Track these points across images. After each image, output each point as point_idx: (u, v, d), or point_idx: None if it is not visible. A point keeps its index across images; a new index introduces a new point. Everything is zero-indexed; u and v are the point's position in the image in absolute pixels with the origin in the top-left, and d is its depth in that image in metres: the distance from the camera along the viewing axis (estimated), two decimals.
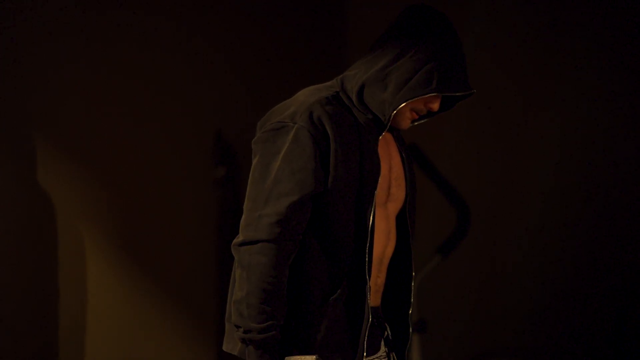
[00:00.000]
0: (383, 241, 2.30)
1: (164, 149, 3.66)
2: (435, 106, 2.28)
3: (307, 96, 2.25)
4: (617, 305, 3.82)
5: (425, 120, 2.38)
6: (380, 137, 2.28)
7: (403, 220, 2.37)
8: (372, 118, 2.25)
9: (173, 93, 3.69)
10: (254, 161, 2.22)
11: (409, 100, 2.19)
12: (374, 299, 2.32)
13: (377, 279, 2.32)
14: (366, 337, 2.23)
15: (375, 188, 2.22)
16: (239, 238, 2.17)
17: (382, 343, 2.36)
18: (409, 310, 2.41)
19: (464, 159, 4.13)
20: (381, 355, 2.34)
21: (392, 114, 2.22)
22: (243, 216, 2.19)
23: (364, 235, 2.22)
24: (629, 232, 3.78)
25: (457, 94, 2.26)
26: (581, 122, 3.86)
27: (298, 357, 2.16)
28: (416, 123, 2.38)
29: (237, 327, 2.14)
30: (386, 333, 2.37)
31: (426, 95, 2.20)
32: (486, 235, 4.08)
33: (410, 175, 2.40)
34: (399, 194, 2.35)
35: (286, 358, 2.17)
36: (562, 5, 3.88)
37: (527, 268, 3.99)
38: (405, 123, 2.31)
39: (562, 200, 3.91)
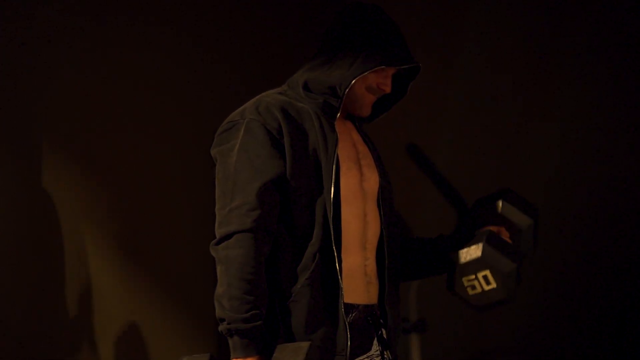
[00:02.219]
0: (359, 221, 2.31)
1: (163, 149, 3.66)
2: (387, 82, 2.33)
3: (256, 98, 2.34)
4: (618, 305, 3.82)
5: (385, 113, 2.47)
6: (338, 118, 2.32)
7: (378, 205, 2.38)
8: (323, 102, 2.30)
9: (173, 93, 3.69)
10: (217, 166, 2.30)
11: (359, 77, 2.25)
12: (366, 294, 2.31)
13: (365, 268, 2.31)
14: (348, 329, 2.22)
15: (334, 157, 2.24)
16: (215, 239, 2.21)
17: (375, 342, 2.34)
18: (383, 297, 2.38)
19: (464, 159, 4.13)
20: (372, 355, 2.33)
21: (346, 91, 2.26)
22: (216, 218, 2.24)
23: (328, 207, 2.23)
24: (629, 232, 3.78)
25: (403, 67, 2.31)
26: (581, 122, 3.86)
27: (292, 344, 2.16)
28: (381, 116, 2.42)
29: (222, 320, 2.15)
30: (381, 331, 2.35)
31: (375, 69, 2.26)
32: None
33: (381, 165, 2.44)
34: (371, 175, 2.38)
35: (279, 346, 2.16)
36: (562, 6, 3.88)
37: (526, 268, 3.99)
38: (366, 109, 2.35)
39: (562, 200, 3.91)
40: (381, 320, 2.36)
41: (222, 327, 2.17)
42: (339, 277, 2.22)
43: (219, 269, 2.20)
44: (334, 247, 2.22)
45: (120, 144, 3.53)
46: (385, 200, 2.40)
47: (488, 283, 2.23)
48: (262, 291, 2.16)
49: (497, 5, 4.02)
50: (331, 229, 2.22)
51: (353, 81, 2.26)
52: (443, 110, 4.13)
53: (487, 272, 2.21)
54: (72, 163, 3.39)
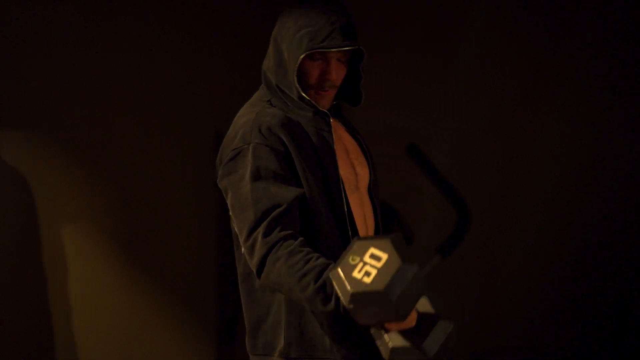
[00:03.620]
0: (361, 218, 2.30)
1: (164, 149, 3.66)
2: (329, 70, 2.26)
3: (245, 115, 2.26)
4: (618, 305, 3.82)
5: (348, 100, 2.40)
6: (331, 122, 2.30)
7: (370, 198, 2.38)
8: (308, 110, 2.27)
9: (173, 93, 3.69)
10: (228, 198, 2.20)
11: (294, 71, 2.21)
12: None
13: None
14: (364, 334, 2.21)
15: (336, 168, 2.23)
16: (255, 273, 2.13)
17: None
18: None
19: (464, 159, 4.12)
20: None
21: (300, 92, 2.23)
22: (245, 251, 2.16)
23: (343, 220, 2.21)
24: (630, 232, 3.78)
25: (332, 50, 2.22)
26: (581, 122, 3.86)
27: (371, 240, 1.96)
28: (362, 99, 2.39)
29: (327, 302, 2.06)
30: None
31: (301, 57, 2.20)
32: (486, 235, 4.07)
33: (370, 157, 2.42)
34: (363, 172, 2.36)
35: (356, 239, 1.99)
36: (562, 5, 3.88)
37: (527, 268, 3.99)
38: (323, 102, 2.31)
39: (562, 200, 3.91)
40: None
41: (330, 307, 2.05)
42: None
43: (283, 291, 2.12)
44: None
45: (120, 143, 3.52)
46: (376, 194, 2.41)
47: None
48: (316, 257, 2.07)
49: (497, 5, 4.02)
50: (349, 231, 2.22)
51: (297, 84, 2.22)
52: (443, 109, 4.13)
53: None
54: (71, 163, 3.39)
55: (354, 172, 2.34)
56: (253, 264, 2.12)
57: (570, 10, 3.85)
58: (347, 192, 2.27)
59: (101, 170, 3.47)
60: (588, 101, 3.85)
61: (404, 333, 2.02)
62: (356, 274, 1.91)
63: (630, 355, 3.79)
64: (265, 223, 2.10)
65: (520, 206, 4.01)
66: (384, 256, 1.91)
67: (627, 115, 3.78)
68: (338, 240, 2.21)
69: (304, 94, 2.25)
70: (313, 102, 2.28)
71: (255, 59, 3.98)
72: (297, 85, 2.24)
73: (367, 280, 1.88)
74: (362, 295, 1.89)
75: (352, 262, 1.92)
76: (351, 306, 1.91)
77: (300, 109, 2.27)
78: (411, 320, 2.03)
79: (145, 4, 3.60)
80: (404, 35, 4.18)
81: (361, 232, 2.29)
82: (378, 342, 2.05)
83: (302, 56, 2.21)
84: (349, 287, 1.89)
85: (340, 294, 1.92)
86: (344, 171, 2.28)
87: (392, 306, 1.88)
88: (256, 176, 2.14)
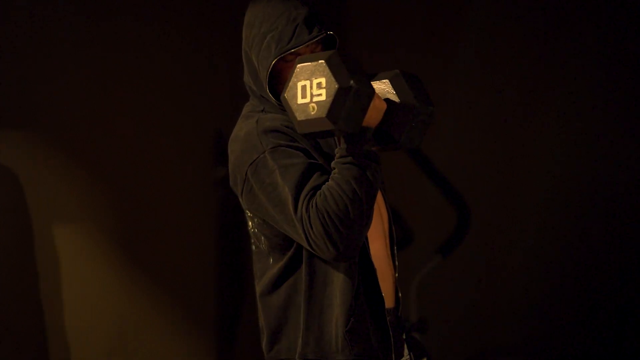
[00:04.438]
0: (378, 219, 2.27)
1: (163, 149, 3.66)
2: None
3: (243, 129, 2.21)
4: (618, 305, 3.82)
5: None
6: None
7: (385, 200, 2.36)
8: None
9: (173, 93, 3.69)
10: (269, 212, 2.12)
11: (266, 78, 2.17)
12: (389, 298, 2.26)
13: (391, 269, 2.28)
14: (391, 331, 2.20)
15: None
16: (331, 245, 2.04)
17: (405, 347, 2.32)
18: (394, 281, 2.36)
19: (463, 159, 4.13)
20: (405, 359, 2.30)
21: (275, 101, 2.19)
22: (312, 246, 2.07)
23: None
24: (630, 232, 3.78)
25: (299, 47, 2.17)
26: (581, 122, 3.86)
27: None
28: None
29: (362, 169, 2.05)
30: (404, 334, 2.34)
31: (271, 64, 2.16)
32: (486, 235, 4.08)
33: None
34: None
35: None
36: (563, 4, 3.88)
37: (527, 268, 3.99)
38: None
39: (561, 200, 3.91)
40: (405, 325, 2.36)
41: (365, 174, 2.04)
42: (378, 282, 2.17)
43: (356, 218, 2.04)
44: (369, 256, 2.15)
45: (120, 143, 3.53)
46: (385, 193, 2.39)
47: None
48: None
49: (497, 5, 4.02)
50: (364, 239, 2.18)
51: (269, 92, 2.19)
52: (443, 109, 4.13)
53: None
54: (71, 163, 3.39)
55: None
56: (329, 249, 2.03)
57: (571, 10, 3.85)
58: None
59: (101, 170, 3.47)
60: (588, 101, 3.85)
61: (389, 114, 2.13)
62: (314, 108, 2.01)
63: (630, 355, 3.79)
64: (302, 199, 2.05)
65: (520, 206, 4.01)
66: (311, 75, 2.01)
67: (628, 115, 3.78)
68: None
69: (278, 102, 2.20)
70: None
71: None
72: (271, 95, 2.19)
73: (323, 97, 2.00)
74: (333, 108, 1.98)
75: (301, 106, 2.02)
76: (339, 123, 1.99)
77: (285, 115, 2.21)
78: (380, 100, 2.11)
79: (145, 4, 3.60)
80: (404, 35, 4.18)
81: (378, 227, 2.27)
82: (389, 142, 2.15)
83: (272, 62, 2.15)
84: (321, 116, 1.99)
85: (324, 129, 2.01)
86: None
87: (354, 87, 1.98)
88: (287, 176, 2.07)
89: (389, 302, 2.26)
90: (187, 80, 3.73)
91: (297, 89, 2.01)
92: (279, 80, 2.21)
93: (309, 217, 2.03)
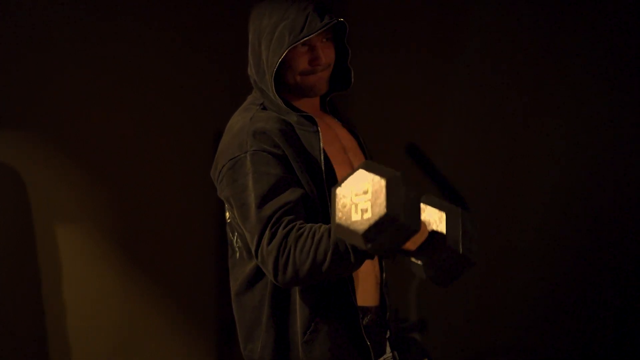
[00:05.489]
0: None
1: (164, 149, 3.66)
2: (317, 54, 2.23)
3: (239, 122, 2.22)
4: (618, 305, 3.81)
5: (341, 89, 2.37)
6: (322, 124, 2.27)
7: None
8: (299, 114, 2.23)
9: (173, 93, 3.69)
10: (232, 210, 2.17)
11: (275, 66, 2.17)
12: (370, 296, 2.28)
13: (374, 266, 2.28)
14: (365, 335, 2.20)
15: (333, 171, 2.20)
16: (274, 278, 2.07)
17: (387, 345, 2.32)
18: (382, 284, 2.35)
19: (464, 159, 4.12)
20: (387, 358, 2.30)
21: (274, 93, 2.20)
22: (258, 261, 2.10)
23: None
24: (630, 232, 3.78)
25: (312, 35, 2.19)
26: (582, 122, 3.86)
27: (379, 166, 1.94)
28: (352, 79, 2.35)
29: (339, 269, 2.02)
30: (388, 333, 2.33)
31: (284, 54, 2.17)
32: (486, 235, 4.07)
33: (367, 149, 2.40)
34: None
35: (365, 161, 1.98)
36: (563, 5, 3.88)
37: (527, 268, 3.99)
38: (319, 85, 2.26)
39: (562, 200, 3.91)
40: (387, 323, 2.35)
41: (350, 256, 2.02)
42: (352, 286, 2.17)
43: (307, 280, 2.06)
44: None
45: (120, 143, 3.52)
46: None
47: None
48: (318, 228, 2.03)
49: (498, 5, 4.02)
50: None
51: (273, 86, 2.19)
52: (443, 109, 4.13)
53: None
54: (71, 163, 3.39)
55: (349, 166, 2.30)
56: (268, 270, 2.07)
57: (572, 10, 3.85)
58: None
59: (101, 170, 3.47)
60: (589, 101, 3.85)
61: (424, 247, 2.01)
62: (355, 217, 1.89)
63: (630, 355, 3.79)
64: (270, 227, 2.06)
65: (520, 206, 4.01)
66: (368, 185, 1.89)
67: (628, 115, 3.78)
68: None
69: (279, 99, 2.21)
70: (305, 95, 2.26)
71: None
72: (272, 86, 2.20)
73: (368, 214, 1.86)
74: (372, 229, 1.86)
75: (345, 209, 1.90)
76: (369, 245, 1.88)
77: (284, 113, 2.23)
78: (424, 231, 2.01)
79: (145, 4, 3.60)
80: (405, 35, 4.18)
81: None
82: (414, 269, 2.03)
83: (285, 51, 2.17)
84: (358, 230, 1.87)
85: (355, 243, 1.91)
86: (341, 169, 2.24)
87: (401, 221, 1.86)
88: (258, 183, 2.10)
89: (370, 301, 2.26)
90: (187, 80, 3.73)
91: (349, 189, 1.91)
92: (286, 71, 2.22)
93: (272, 235, 2.05)
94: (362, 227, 1.86)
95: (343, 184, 1.93)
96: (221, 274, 3.85)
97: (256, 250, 2.09)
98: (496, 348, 4.09)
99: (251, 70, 2.30)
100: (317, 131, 2.23)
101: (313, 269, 2.01)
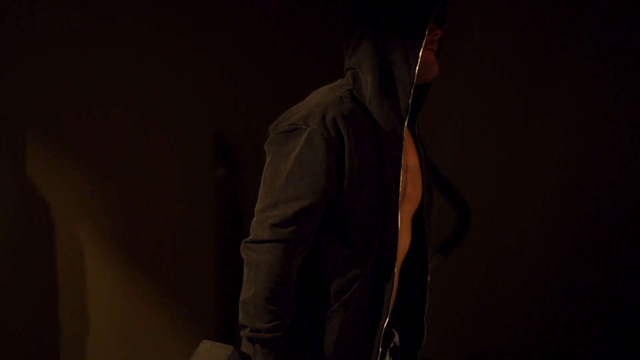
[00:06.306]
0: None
1: (164, 149, 3.66)
2: (438, 31, 2.30)
3: (320, 97, 2.18)
4: (618, 305, 3.82)
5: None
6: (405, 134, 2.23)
7: (419, 221, 2.33)
8: (387, 113, 2.18)
9: (173, 94, 3.69)
10: (266, 163, 2.16)
11: (424, 44, 2.19)
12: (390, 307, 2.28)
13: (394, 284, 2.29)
14: (381, 339, 2.20)
15: (398, 186, 2.16)
16: (249, 237, 2.13)
17: (387, 353, 2.32)
18: (424, 313, 2.38)
19: (464, 159, 4.12)
20: None
21: (416, 71, 2.21)
22: (254, 217, 2.15)
23: (390, 234, 2.15)
24: (630, 232, 3.78)
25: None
26: (582, 122, 3.86)
27: (217, 343, 2.18)
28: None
29: (244, 326, 2.12)
30: (392, 343, 2.34)
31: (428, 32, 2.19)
32: (486, 235, 4.08)
33: (427, 176, 2.36)
34: (415, 194, 2.31)
35: (203, 341, 2.18)
36: (563, 5, 3.88)
37: (527, 268, 3.99)
38: (433, 69, 2.33)
39: (562, 200, 3.91)
40: (394, 331, 2.36)
41: (244, 333, 2.13)
42: (389, 297, 2.18)
43: (246, 271, 2.13)
44: (393, 273, 2.15)
45: (120, 144, 3.53)
46: (427, 217, 2.35)
47: None
48: (288, 302, 2.10)
49: (498, 4, 4.02)
50: (392, 253, 2.17)
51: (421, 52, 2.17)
52: (443, 109, 4.13)
53: None
54: (71, 163, 3.39)
55: (402, 191, 2.26)
56: (254, 232, 2.11)
57: (572, 10, 3.85)
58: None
59: (101, 170, 3.47)
60: (589, 101, 3.85)
61: None
62: None
63: (630, 355, 3.79)
64: (282, 212, 2.08)
65: (520, 206, 4.01)
66: None
67: (628, 115, 3.78)
68: (373, 246, 2.17)
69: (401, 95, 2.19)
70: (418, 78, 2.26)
71: (255, 59, 3.99)
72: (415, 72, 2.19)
73: None
74: None
75: None
76: None
77: (379, 109, 2.17)
78: None
79: (145, 4, 3.60)
80: None
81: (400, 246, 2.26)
82: None
83: (426, 34, 2.19)
84: None
85: None
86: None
87: None
88: (301, 160, 2.09)
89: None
90: (187, 80, 3.73)
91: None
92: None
93: (261, 225, 2.10)
94: None
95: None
96: (221, 274, 3.85)
97: (260, 212, 2.12)
98: (496, 348, 4.09)
99: (360, 60, 2.22)
100: (401, 141, 2.19)
101: (247, 299, 2.14)
